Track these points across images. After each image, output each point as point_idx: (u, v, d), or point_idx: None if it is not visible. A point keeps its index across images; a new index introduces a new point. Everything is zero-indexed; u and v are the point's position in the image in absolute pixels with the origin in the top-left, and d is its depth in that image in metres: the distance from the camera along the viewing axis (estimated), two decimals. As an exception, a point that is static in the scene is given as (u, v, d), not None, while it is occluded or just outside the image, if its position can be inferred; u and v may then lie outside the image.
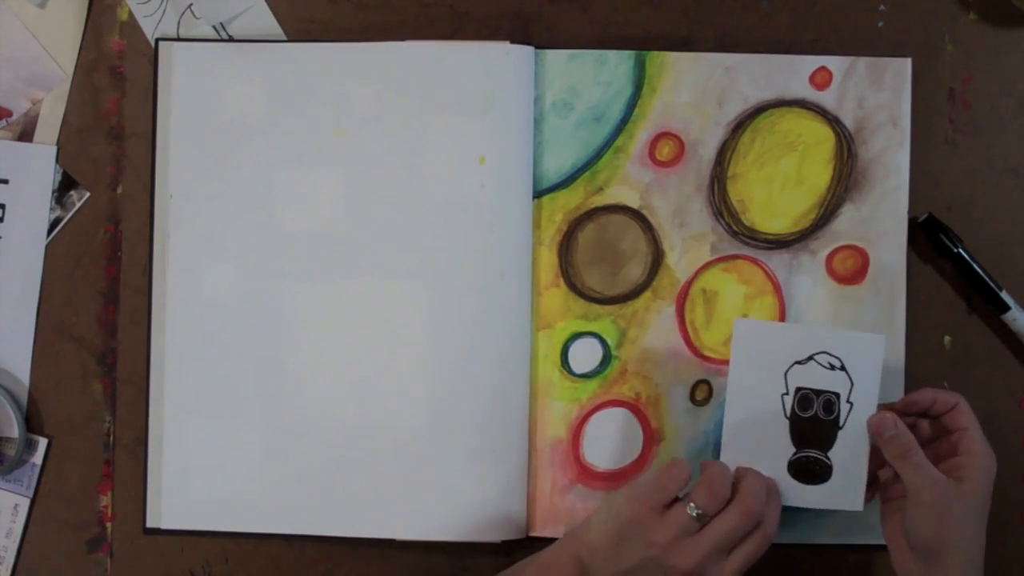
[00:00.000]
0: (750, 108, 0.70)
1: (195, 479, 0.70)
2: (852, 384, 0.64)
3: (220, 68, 0.70)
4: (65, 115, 0.71)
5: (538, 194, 0.70)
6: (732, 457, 0.64)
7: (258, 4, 0.71)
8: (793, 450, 0.64)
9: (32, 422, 0.71)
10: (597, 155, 0.70)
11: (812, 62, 0.70)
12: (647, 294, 0.70)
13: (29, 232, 0.71)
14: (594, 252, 0.70)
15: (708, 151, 0.70)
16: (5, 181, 0.71)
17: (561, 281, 0.70)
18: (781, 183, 0.70)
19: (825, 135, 0.70)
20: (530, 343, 0.70)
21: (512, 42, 0.69)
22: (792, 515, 0.70)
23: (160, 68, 0.70)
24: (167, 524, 0.70)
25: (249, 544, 0.71)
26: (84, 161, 0.71)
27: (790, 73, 0.70)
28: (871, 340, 0.64)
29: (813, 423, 0.64)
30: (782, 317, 0.70)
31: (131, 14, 0.71)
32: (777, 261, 0.70)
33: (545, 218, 0.70)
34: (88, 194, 0.71)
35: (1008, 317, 0.63)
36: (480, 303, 0.69)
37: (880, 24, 0.71)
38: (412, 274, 0.69)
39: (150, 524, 0.70)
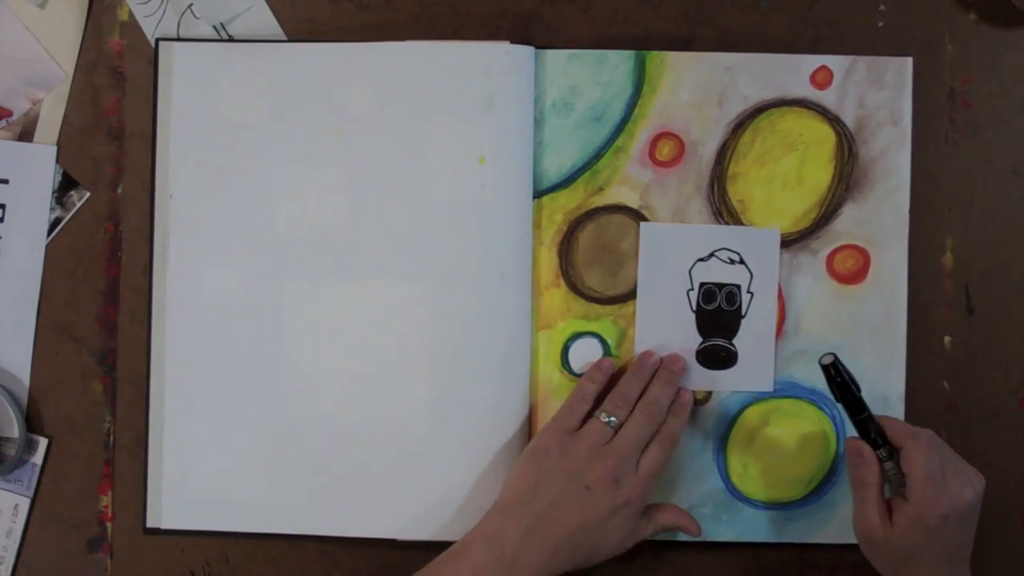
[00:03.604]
0: (750, 108, 0.70)
1: (195, 479, 0.70)
2: (752, 276, 0.69)
3: (220, 68, 0.70)
4: (65, 115, 0.71)
5: (538, 194, 0.70)
6: (644, 350, 0.69)
7: (258, 4, 0.71)
8: (700, 340, 0.69)
9: (32, 422, 0.71)
10: (597, 155, 0.70)
11: (813, 61, 0.70)
12: (647, 294, 0.70)
13: (29, 232, 0.71)
14: (594, 252, 0.70)
15: (708, 151, 0.70)
16: (5, 181, 0.71)
17: (561, 281, 0.70)
18: (781, 183, 0.70)
19: (826, 134, 0.70)
20: (530, 343, 0.70)
21: (512, 42, 0.69)
22: (791, 516, 0.70)
23: (160, 68, 0.70)
24: (167, 524, 0.70)
25: (249, 544, 0.71)
26: (84, 161, 0.71)
27: (790, 73, 0.70)
28: (767, 234, 0.69)
29: (717, 314, 0.69)
30: (782, 317, 0.70)
31: (131, 14, 0.71)
32: (777, 261, 0.70)
33: (545, 218, 0.70)
34: (88, 194, 0.71)
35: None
36: (480, 303, 0.69)
37: (880, 24, 0.71)
38: (412, 274, 0.69)
39: (150, 524, 0.70)
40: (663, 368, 0.68)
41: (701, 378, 0.69)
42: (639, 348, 0.69)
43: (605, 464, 0.63)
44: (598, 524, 0.63)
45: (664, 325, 0.69)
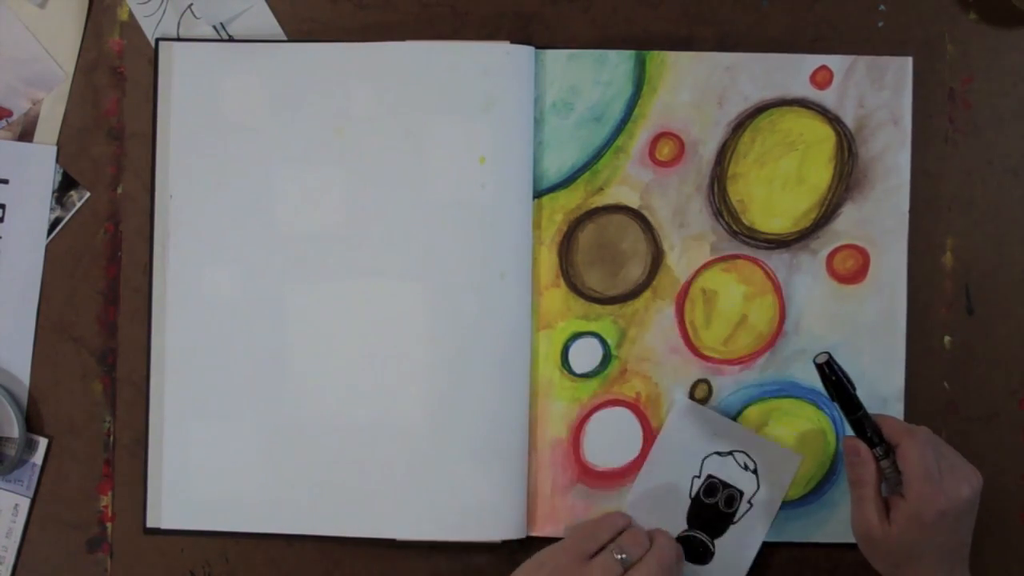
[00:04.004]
0: (750, 108, 0.70)
1: (195, 479, 0.70)
2: (758, 488, 0.69)
3: (220, 68, 0.70)
4: (65, 115, 0.71)
5: (538, 194, 0.70)
6: (632, 515, 0.68)
7: (258, 4, 0.71)
8: (684, 527, 0.69)
9: (32, 422, 0.71)
10: (597, 155, 0.70)
11: (813, 61, 0.70)
12: (647, 294, 0.70)
13: (29, 232, 0.71)
14: (594, 252, 0.70)
15: (708, 151, 0.70)
16: (5, 181, 0.71)
17: (561, 281, 0.70)
18: (781, 183, 0.70)
19: (826, 134, 0.70)
20: (530, 343, 0.70)
21: (512, 42, 0.69)
22: (791, 515, 0.70)
23: (160, 68, 0.70)
24: (167, 524, 0.70)
25: (249, 544, 0.71)
26: (84, 161, 0.71)
27: (790, 72, 0.70)
28: (789, 457, 0.69)
29: (711, 510, 0.69)
30: (782, 317, 0.70)
31: (131, 14, 0.71)
32: (777, 261, 0.70)
33: (545, 218, 0.70)
34: (88, 194, 0.71)
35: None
36: (480, 303, 0.69)
37: (880, 24, 0.71)
38: (412, 274, 0.69)
39: (150, 524, 0.70)
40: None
41: None
42: (629, 510, 0.69)
43: None
44: None
45: (658, 499, 0.69)
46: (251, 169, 0.70)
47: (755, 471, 0.69)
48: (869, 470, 0.63)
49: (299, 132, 0.69)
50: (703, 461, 0.69)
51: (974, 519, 0.62)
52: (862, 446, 0.63)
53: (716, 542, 0.69)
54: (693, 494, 0.69)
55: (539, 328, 0.70)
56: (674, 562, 0.64)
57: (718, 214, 0.70)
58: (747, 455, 0.69)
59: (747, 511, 0.69)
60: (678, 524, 0.69)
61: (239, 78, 0.70)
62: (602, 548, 0.64)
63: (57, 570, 0.71)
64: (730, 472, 0.69)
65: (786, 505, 0.70)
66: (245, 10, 0.71)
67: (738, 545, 0.69)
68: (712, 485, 0.69)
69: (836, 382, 0.63)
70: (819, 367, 0.63)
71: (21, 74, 0.71)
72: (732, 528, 0.69)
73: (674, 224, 0.70)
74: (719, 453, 0.69)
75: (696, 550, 0.69)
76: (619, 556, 0.63)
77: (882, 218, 0.70)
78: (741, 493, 0.69)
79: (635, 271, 0.70)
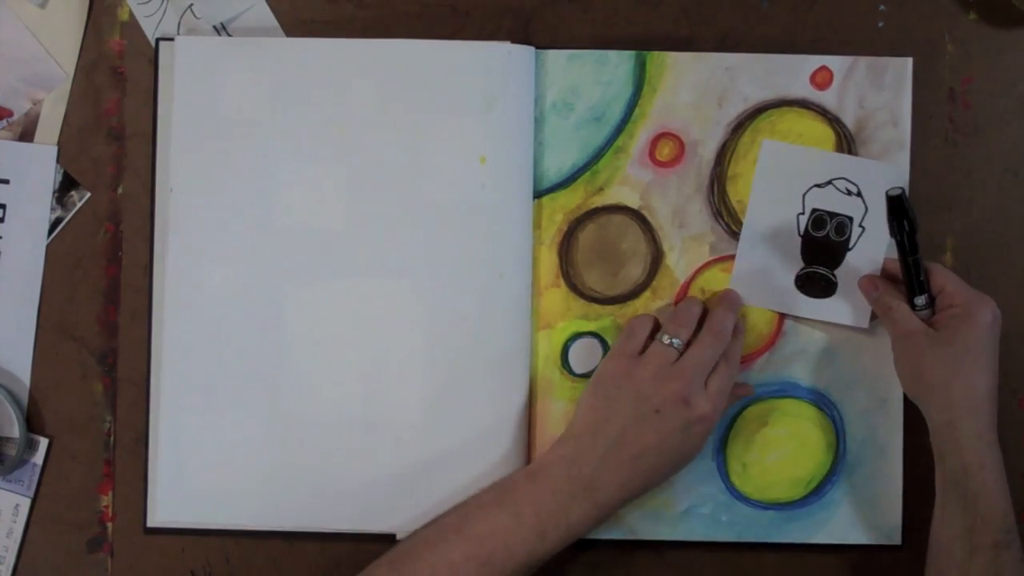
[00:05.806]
0: (750, 108, 0.70)
1: (196, 477, 0.70)
2: (867, 210, 0.68)
3: (221, 64, 0.70)
4: (66, 115, 0.71)
5: (538, 194, 0.70)
6: (745, 268, 0.69)
7: (258, 4, 0.71)
8: (802, 265, 0.69)
9: (33, 422, 0.71)
10: (597, 155, 0.70)
11: (813, 62, 0.70)
12: (647, 294, 0.70)
13: (30, 232, 0.71)
14: (594, 252, 0.70)
15: (708, 151, 0.70)
16: (6, 181, 0.71)
17: (561, 281, 0.71)
18: (781, 183, 0.70)
19: (825, 135, 0.70)
20: (530, 343, 0.70)
21: (513, 42, 0.69)
22: (791, 516, 0.70)
23: (160, 68, 0.70)
24: (168, 521, 0.70)
25: (249, 544, 0.71)
26: (85, 161, 0.71)
27: (790, 73, 0.70)
28: (891, 170, 0.68)
29: (824, 242, 0.68)
30: (781, 317, 0.70)
31: (131, 14, 0.71)
32: (777, 261, 0.70)
33: (545, 218, 0.70)
34: (88, 194, 0.71)
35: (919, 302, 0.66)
36: (480, 303, 0.69)
37: (880, 24, 0.71)
38: (412, 273, 0.69)
39: (151, 524, 0.70)
40: (725, 294, 0.68)
41: (798, 304, 0.69)
42: (739, 267, 0.69)
43: (672, 386, 0.63)
44: (672, 444, 0.63)
45: (768, 245, 0.69)
46: (251, 167, 0.70)
47: (859, 194, 0.68)
48: (888, 296, 0.65)
49: (299, 130, 0.69)
50: (803, 197, 0.68)
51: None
52: (870, 277, 0.67)
53: (836, 272, 0.68)
54: (802, 231, 0.69)
55: (539, 328, 0.70)
56: (729, 331, 0.65)
57: (718, 214, 0.70)
58: (847, 180, 0.68)
59: (861, 235, 0.68)
60: (795, 264, 0.69)
61: (240, 75, 0.69)
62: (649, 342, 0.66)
63: (57, 570, 0.71)
64: (834, 200, 0.68)
65: (787, 505, 0.70)
66: (246, 10, 0.71)
67: (861, 271, 0.68)
68: (819, 218, 0.68)
69: (905, 217, 0.62)
70: (891, 199, 0.62)
71: (21, 74, 0.71)
72: (850, 255, 0.68)
73: (674, 224, 0.70)
74: (818, 185, 0.68)
75: (819, 284, 0.68)
76: (668, 342, 0.64)
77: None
78: (851, 219, 0.68)
79: (635, 271, 0.70)
